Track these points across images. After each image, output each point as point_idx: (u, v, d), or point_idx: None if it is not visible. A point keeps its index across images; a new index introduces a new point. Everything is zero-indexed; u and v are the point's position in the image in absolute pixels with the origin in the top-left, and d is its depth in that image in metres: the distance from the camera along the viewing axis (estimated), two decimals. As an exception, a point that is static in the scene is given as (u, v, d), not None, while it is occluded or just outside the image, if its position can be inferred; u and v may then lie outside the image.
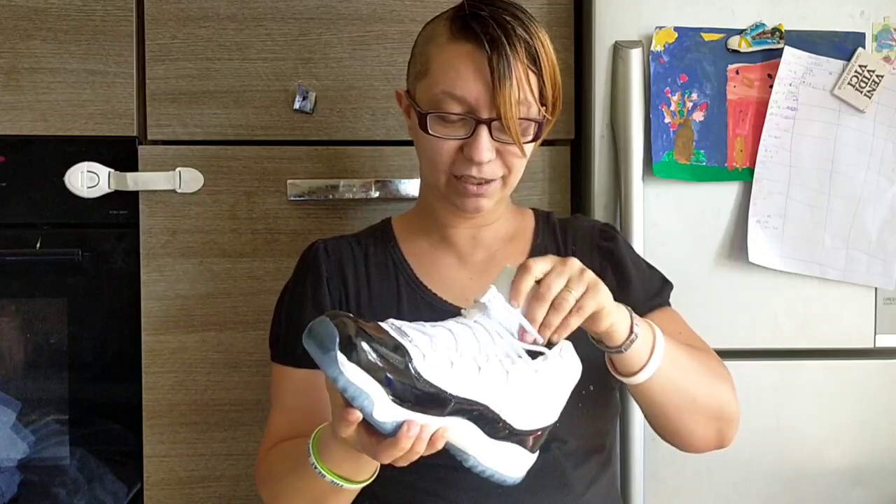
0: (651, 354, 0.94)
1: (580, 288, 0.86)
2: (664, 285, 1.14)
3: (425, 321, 0.97)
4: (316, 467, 0.89)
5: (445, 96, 1.00)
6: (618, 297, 0.93)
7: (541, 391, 0.86)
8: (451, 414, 0.81)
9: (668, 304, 1.14)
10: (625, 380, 0.96)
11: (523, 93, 1.00)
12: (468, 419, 0.82)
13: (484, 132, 1.00)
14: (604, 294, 0.88)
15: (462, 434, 0.83)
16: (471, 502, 1.01)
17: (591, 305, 0.87)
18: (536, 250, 1.12)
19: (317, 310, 1.07)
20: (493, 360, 0.83)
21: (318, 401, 1.01)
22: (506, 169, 1.04)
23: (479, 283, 1.09)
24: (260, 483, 1.06)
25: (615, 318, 0.90)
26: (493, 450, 0.85)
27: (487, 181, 1.03)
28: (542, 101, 1.03)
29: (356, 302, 1.08)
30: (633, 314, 0.93)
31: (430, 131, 1.02)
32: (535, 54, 1.01)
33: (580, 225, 1.17)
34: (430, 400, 0.79)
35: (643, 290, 1.11)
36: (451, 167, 1.03)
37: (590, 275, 0.88)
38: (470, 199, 1.04)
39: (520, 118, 1.00)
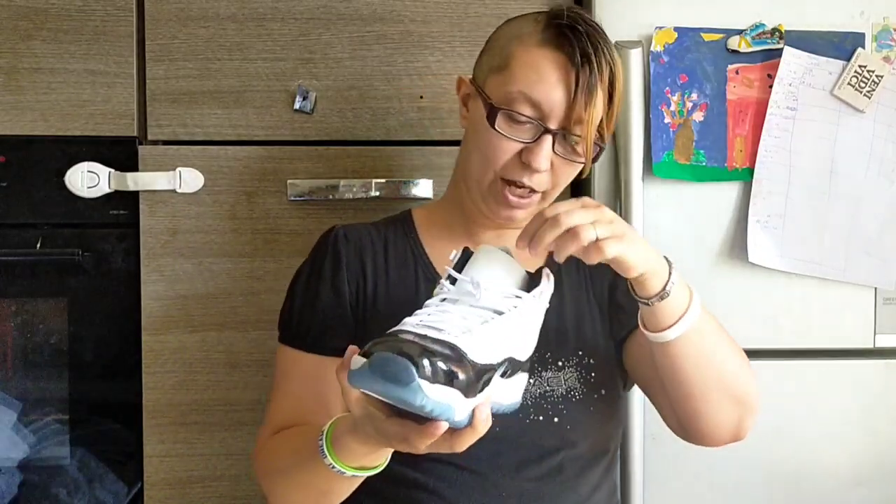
0: (685, 312, 0.93)
1: (605, 229, 0.85)
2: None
3: None
4: (334, 467, 0.88)
5: (521, 96, 1.00)
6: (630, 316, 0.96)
7: (536, 321, 0.91)
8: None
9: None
10: (653, 336, 0.94)
11: (597, 113, 1.00)
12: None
13: (548, 141, 1.00)
14: (631, 243, 0.87)
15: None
16: (471, 501, 1.01)
17: (614, 250, 0.85)
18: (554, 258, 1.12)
19: (335, 293, 1.07)
20: (493, 315, 0.85)
21: (324, 388, 1.02)
22: (552, 184, 1.04)
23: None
24: (261, 474, 1.05)
25: (645, 268, 0.89)
26: (504, 388, 0.87)
27: (532, 192, 1.03)
28: (607, 127, 1.03)
29: (373, 290, 1.08)
30: (673, 269, 0.92)
31: (496, 126, 1.01)
32: (614, 82, 1.02)
33: None
34: (480, 378, 0.79)
35: None
36: (502, 169, 1.02)
37: (620, 224, 0.87)
38: (506, 208, 1.04)
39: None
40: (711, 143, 1.30)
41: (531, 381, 1.02)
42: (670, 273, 0.92)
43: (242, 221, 1.32)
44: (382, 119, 1.33)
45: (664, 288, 0.91)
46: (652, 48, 1.29)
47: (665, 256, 0.93)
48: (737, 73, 1.30)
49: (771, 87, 1.29)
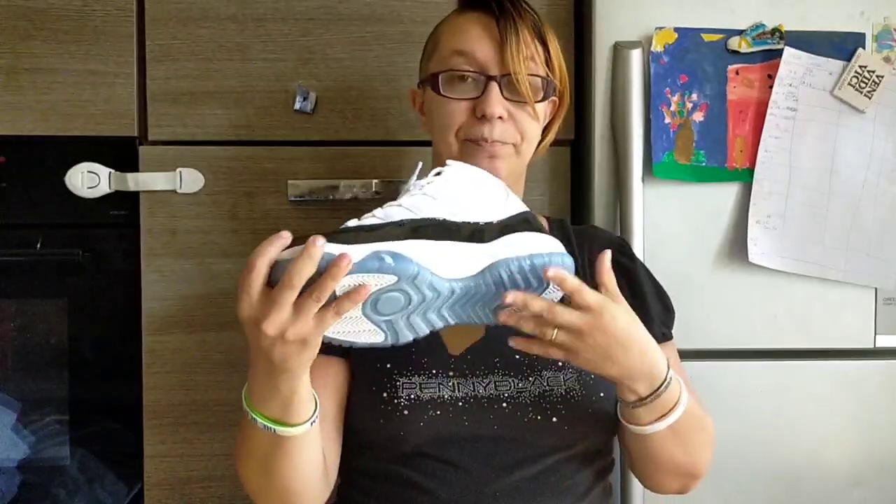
0: (668, 413, 0.94)
1: (565, 337, 0.88)
2: (671, 315, 1.15)
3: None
4: (255, 420, 0.89)
5: (454, 55, 1.05)
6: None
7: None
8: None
9: (671, 337, 1.14)
10: (627, 425, 0.97)
11: (529, 51, 1.05)
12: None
13: (494, 87, 1.04)
14: (587, 360, 0.89)
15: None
16: (464, 501, 1.01)
17: (556, 355, 0.89)
18: None
19: None
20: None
21: (318, 385, 1.01)
22: (519, 135, 1.06)
23: None
24: (235, 461, 1.04)
25: (620, 379, 0.91)
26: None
27: (501, 143, 1.05)
28: (549, 68, 1.07)
29: None
30: (669, 378, 0.93)
31: (441, 91, 1.05)
32: (541, 29, 1.08)
33: (596, 236, 1.17)
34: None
35: (659, 319, 1.11)
36: (464, 130, 1.05)
37: (597, 337, 0.88)
38: (483, 160, 1.05)
39: (528, 74, 1.04)
40: (711, 143, 1.30)
41: (531, 379, 1.02)
42: (663, 384, 0.92)
43: (242, 221, 1.32)
44: (382, 119, 1.33)
45: (645, 398, 0.92)
46: (652, 48, 1.29)
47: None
48: (737, 73, 1.30)
49: (771, 87, 1.29)
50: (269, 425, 0.89)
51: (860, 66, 1.29)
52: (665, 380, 0.92)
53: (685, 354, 1.29)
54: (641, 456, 1.03)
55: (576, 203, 1.36)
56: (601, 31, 1.30)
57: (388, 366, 1.02)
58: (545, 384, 1.03)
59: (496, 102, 1.03)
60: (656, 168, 1.29)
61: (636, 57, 1.27)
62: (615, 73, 1.29)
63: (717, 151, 1.30)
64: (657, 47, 1.29)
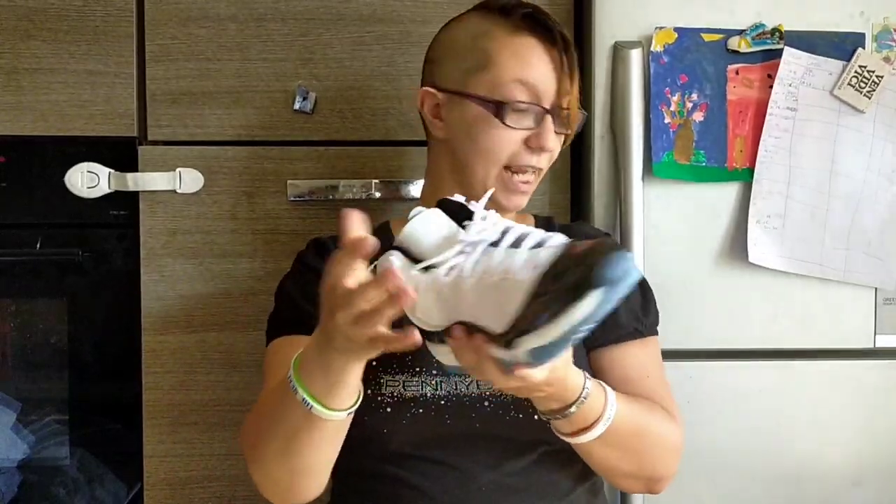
0: (592, 425, 0.93)
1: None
2: (652, 312, 1.14)
3: None
4: (292, 382, 0.87)
5: (517, 84, 1.04)
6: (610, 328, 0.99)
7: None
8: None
9: (656, 333, 1.14)
10: (560, 436, 0.96)
11: (576, 84, 1.08)
12: None
13: (549, 121, 1.06)
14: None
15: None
16: (453, 499, 1.01)
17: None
18: None
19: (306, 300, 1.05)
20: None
21: None
22: (550, 161, 1.10)
23: None
24: (242, 438, 1.02)
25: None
26: None
27: (536, 171, 1.08)
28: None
29: None
30: (584, 392, 0.91)
31: (506, 122, 1.04)
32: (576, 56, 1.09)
33: (581, 232, 1.16)
34: None
35: (635, 313, 1.11)
36: (511, 158, 1.06)
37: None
38: (517, 195, 1.08)
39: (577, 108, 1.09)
40: (711, 143, 1.30)
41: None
42: (576, 401, 0.91)
43: (242, 222, 1.32)
44: (382, 119, 1.33)
45: (557, 412, 0.91)
46: (652, 48, 1.29)
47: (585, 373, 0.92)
48: (737, 73, 1.30)
49: (771, 87, 1.29)
50: (308, 400, 0.86)
51: (860, 66, 1.29)
52: (578, 397, 0.91)
53: (685, 355, 1.30)
54: (589, 462, 1.02)
55: (576, 203, 1.36)
56: (601, 30, 1.30)
57: (374, 363, 0.99)
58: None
59: (553, 137, 1.06)
60: (656, 168, 1.29)
61: (636, 57, 1.26)
62: (615, 73, 1.29)
63: (717, 151, 1.30)
64: (657, 47, 1.29)
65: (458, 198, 0.87)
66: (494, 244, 0.80)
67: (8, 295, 1.32)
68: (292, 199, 1.31)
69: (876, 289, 1.33)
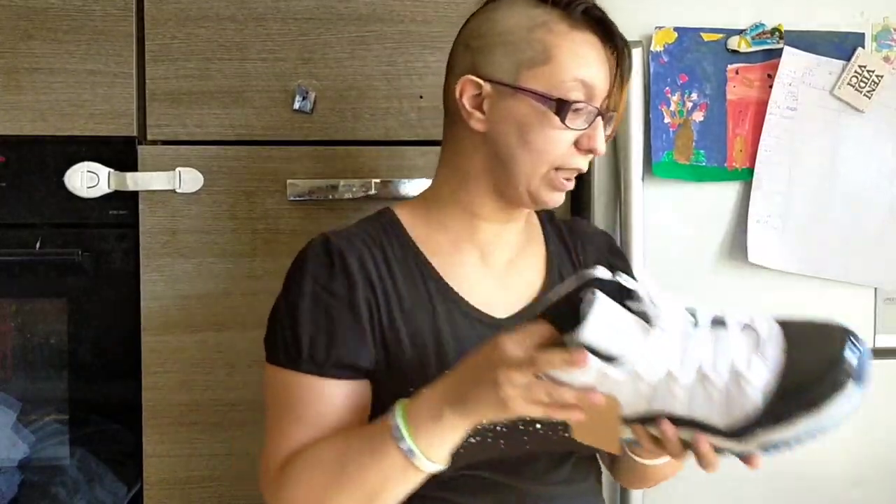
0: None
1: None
2: None
3: (461, 332, 1.00)
4: (397, 423, 0.86)
5: (577, 84, 0.98)
6: None
7: None
8: None
9: None
10: (637, 461, 1.00)
11: (626, 90, 1.05)
12: None
13: (601, 123, 1.01)
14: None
15: None
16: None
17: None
18: (553, 258, 1.11)
19: (352, 315, 0.98)
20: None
21: (344, 412, 0.97)
22: None
23: (503, 290, 1.06)
24: (282, 490, 0.95)
25: None
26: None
27: (577, 170, 1.04)
28: None
29: (387, 308, 1.00)
30: None
31: (567, 123, 0.98)
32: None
33: (585, 231, 1.17)
34: None
35: None
36: (560, 159, 1.00)
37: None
38: (558, 193, 1.03)
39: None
40: (711, 143, 1.30)
41: None
42: None
43: (242, 221, 1.32)
44: (382, 119, 1.33)
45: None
46: (652, 48, 1.29)
47: None
48: (737, 73, 1.30)
49: (771, 87, 1.29)
50: (415, 451, 0.86)
51: (860, 66, 1.29)
52: None
53: (685, 354, 1.29)
54: (633, 477, 1.07)
55: (576, 203, 1.36)
56: (601, 30, 1.30)
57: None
58: None
59: (604, 140, 1.02)
60: (656, 168, 1.29)
61: (636, 57, 1.26)
62: (615, 73, 1.29)
63: (717, 151, 1.30)
64: (657, 47, 1.29)
65: (602, 272, 0.81)
66: (690, 332, 0.77)
67: (8, 295, 1.32)
68: (292, 198, 1.31)
69: (876, 289, 1.33)
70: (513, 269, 1.08)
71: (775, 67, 1.29)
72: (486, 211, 1.06)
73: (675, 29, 1.29)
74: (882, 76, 1.29)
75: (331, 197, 1.31)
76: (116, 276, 1.32)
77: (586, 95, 0.99)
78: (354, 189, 1.31)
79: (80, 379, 1.32)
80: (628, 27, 1.29)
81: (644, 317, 0.78)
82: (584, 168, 1.03)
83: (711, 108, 1.30)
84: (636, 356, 0.77)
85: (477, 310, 1.03)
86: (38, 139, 1.30)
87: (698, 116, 1.29)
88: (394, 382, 0.98)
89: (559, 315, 0.81)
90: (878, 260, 1.32)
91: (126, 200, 1.31)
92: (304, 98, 1.31)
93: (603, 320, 0.77)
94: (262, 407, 1.28)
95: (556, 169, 1.01)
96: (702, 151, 1.30)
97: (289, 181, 1.31)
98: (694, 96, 1.29)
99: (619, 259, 1.16)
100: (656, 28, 1.29)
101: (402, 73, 1.32)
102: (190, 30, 1.31)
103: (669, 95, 1.29)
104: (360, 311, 0.99)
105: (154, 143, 1.31)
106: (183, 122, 1.31)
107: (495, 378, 0.80)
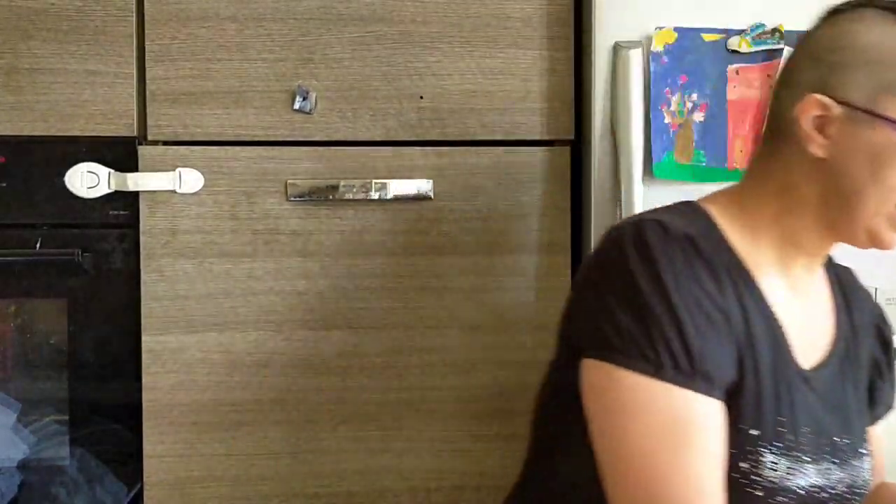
0: None
1: None
2: None
3: (783, 374, 0.88)
4: None
5: None
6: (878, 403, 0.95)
7: None
8: None
9: None
10: None
11: None
12: None
13: None
14: None
15: None
16: None
17: None
18: (837, 307, 1.02)
19: (725, 320, 0.85)
20: None
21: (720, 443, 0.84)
22: None
23: (802, 333, 0.93)
24: None
25: None
26: None
27: None
28: None
29: (745, 331, 0.87)
30: None
31: None
32: None
33: (857, 286, 1.08)
34: None
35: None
36: None
37: None
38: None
39: None
40: (712, 143, 1.30)
41: (841, 473, 0.93)
42: None
43: (242, 221, 1.32)
44: (382, 119, 1.33)
45: None
46: (652, 48, 1.29)
47: None
48: (737, 73, 1.30)
49: (771, 87, 1.29)
50: None
51: (860, 66, 1.29)
52: None
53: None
54: None
55: (576, 203, 1.36)
56: (601, 30, 1.30)
57: (756, 432, 0.86)
58: (854, 474, 0.95)
59: None
60: (656, 168, 1.29)
61: (636, 57, 1.26)
62: (615, 73, 1.29)
63: (718, 151, 1.30)
64: (657, 47, 1.29)
65: None
66: None
67: (8, 295, 1.32)
68: (292, 199, 1.31)
69: (876, 289, 1.33)
70: (811, 311, 0.98)
71: (776, 68, 1.29)
72: (809, 243, 0.95)
73: (676, 29, 1.29)
74: (882, 76, 1.29)
75: (331, 197, 1.31)
76: (116, 276, 1.32)
77: None
78: (354, 189, 1.31)
79: (80, 379, 1.32)
80: (628, 27, 1.30)
81: None
82: None
83: (712, 108, 1.30)
84: None
85: (791, 352, 0.91)
86: (38, 139, 1.30)
87: (698, 117, 1.30)
88: (743, 414, 0.85)
89: None
90: (878, 260, 1.32)
91: (126, 201, 1.31)
92: (304, 98, 1.31)
93: None
94: (262, 407, 1.27)
95: None
96: (702, 152, 1.30)
97: (289, 181, 1.31)
98: (694, 96, 1.29)
99: (887, 340, 1.06)
100: (656, 28, 1.29)
101: (402, 73, 1.32)
102: (190, 30, 1.31)
103: (669, 96, 1.29)
104: (732, 319, 0.86)
105: (154, 143, 1.31)
106: (183, 122, 1.31)
107: None
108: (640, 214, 0.92)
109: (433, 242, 1.33)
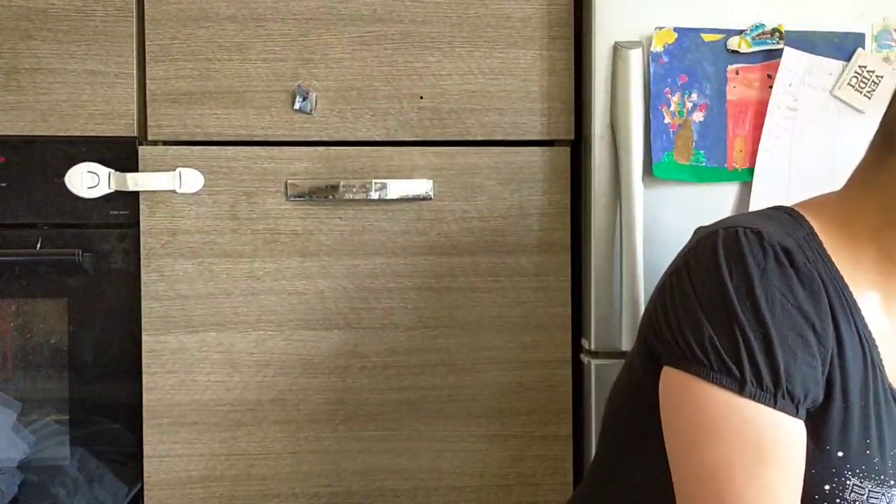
0: None
1: None
2: None
3: (876, 399, 0.84)
4: None
5: None
6: None
7: None
8: None
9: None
10: None
11: None
12: None
13: None
14: None
15: None
16: None
17: None
18: None
19: (819, 341, 0.80)
20: None
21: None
22: None
23: (890, 357, 0.88)
24: None
25: None
26: None
27: None
28: None
29: (836, 350, 0.83)
30: None
31: None
32: None
33: None
34: None
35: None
36: None
37: None
38: None
39: None
40: (711, 143, 1.30)
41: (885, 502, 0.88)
42: None
43: (242, 221, 1.32)
44: (382, 119, 1.33)
45: None
46: (652, 48, 1.29)
47: None
48: (737, 73, 1.30)
49: (771, 87, 1.29)
50: None
51: (860, 66, 1.29)
52: None
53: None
54: None
55: (576, 203, 1.36)
56: (601, 30, 1.30)
57: (840, 454, 0.82)
58: None
59: None
60: (656, 168, 1.29)
61: (636, 57, 1.27)
62: (615, 73, 1.29)
63: (717, 151, 1.30)
64: (657, 47, 1.29)
65: None
66: None
67: (8, 295, 1.32)
68: (292, 198, 1.31)
69: (876, 289, 1.33)
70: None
71: (775, 68, 1.29)
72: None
73: (675, 29, 1.29)
74: (882, 76, 1.29)
75: (331, 197, 1.31)
76: (117, 276, 1.32)
77: None
78: (354, 189, 1.31)
79: (80, 379, 1.33)
80: (628, 27, 1.30)
81: None
82: None
83: (711, 108, 1.30)
84: None
85: (883, 372, 0.86)
86: (39, 139, 1.30)
87: (698, 117, 1.30)
88: (811, 438, 0.82)
89: None
90: (878, 260, 1.32)
91: (126, 201, 1.31)
92: (304, 98, 1.31)
93: None
94: (262, 407, 1.27)
95: None
96: (702, 152, 1.30)
97: (289, 181, 1.31)
98: (694, 97, 1.29)
99: None
100: (656, 28, 1.29)
101: (402, 73, 1.32)
102: (190, 30, 1.31)
103: (669, 96, 1.29)
104: (826, 343, 0.81)
105: (154, 143, 1.32)
106: (183, 122, 1.31)
107: None
108: (736, 219, 0.88)
109: (433, 242, 1.33)
